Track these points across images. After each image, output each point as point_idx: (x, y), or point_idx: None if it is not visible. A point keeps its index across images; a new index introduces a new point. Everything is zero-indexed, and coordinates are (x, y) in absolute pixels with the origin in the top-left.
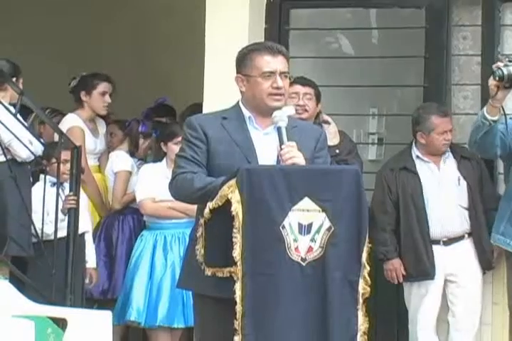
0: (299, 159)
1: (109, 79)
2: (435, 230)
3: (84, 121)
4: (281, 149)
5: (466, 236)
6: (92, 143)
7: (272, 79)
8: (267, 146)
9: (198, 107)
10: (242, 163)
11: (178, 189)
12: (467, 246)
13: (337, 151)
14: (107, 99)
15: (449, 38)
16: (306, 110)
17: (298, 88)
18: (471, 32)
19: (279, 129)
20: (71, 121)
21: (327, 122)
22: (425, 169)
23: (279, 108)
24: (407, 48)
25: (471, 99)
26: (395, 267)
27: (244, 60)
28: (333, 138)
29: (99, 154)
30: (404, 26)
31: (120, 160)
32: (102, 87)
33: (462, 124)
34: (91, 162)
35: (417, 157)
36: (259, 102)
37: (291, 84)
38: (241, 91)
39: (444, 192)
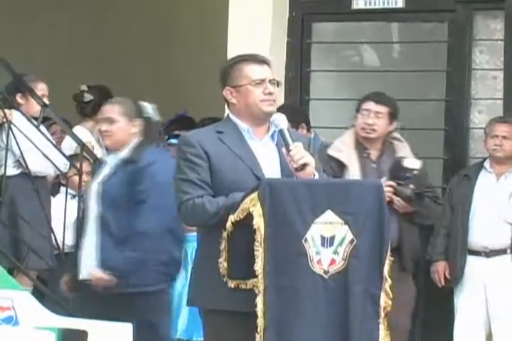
0: (309, 158)
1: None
2: (474, 239)
3: (92, 131)
4: (288, 151)
5: (509, 251)
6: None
7: (263, 86)
8: (268, 156)
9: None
10: (248, 177)
11: (191, 217)
12: (508, 261)
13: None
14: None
15: (471, 52)
16: (373, 129)
17: (371, 105)
18: (488, 46)
19: (281, 131)
20: (82, 137)
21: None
22: (485, 179)
23: (272, 113)
24: (429, 62)
25: (485, 114)
26: (437, 269)
27: (230, 72)
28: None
29: None
30: (426, 40)
31: None
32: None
33: (477, 139)
34: None
35: (484, 166)
36: (253, 109)
37: (365, 99)
38: (231, 104)
39: (492, 205)
